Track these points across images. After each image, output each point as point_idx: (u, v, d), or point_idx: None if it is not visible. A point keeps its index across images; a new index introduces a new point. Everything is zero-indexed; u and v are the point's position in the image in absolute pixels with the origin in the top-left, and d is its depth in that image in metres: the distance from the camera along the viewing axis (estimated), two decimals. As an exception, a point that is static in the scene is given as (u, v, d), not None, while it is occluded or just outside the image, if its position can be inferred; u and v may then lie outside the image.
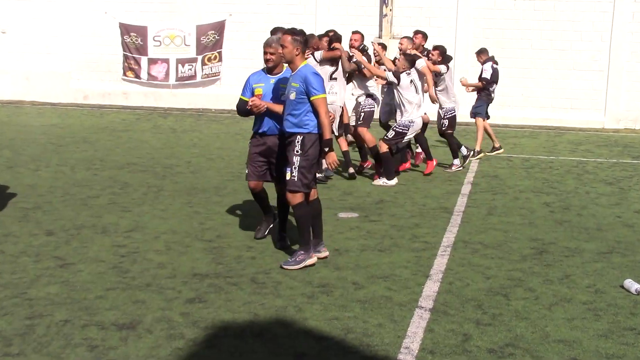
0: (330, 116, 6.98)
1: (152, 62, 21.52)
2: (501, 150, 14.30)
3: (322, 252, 7.10)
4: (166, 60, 21.42)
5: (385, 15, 20.32)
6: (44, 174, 11.06)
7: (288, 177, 6.76)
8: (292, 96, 6.74)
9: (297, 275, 6.60)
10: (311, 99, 6.70)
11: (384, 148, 10.97)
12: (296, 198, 6.78)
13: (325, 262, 7.02)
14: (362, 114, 11.55)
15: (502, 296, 6.17)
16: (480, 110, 13.86)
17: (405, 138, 11.20)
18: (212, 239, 7.75)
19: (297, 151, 6.72)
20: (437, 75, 12.29)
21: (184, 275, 6.50)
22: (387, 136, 11.16)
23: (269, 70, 7.35)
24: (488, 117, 14.07)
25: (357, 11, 20.65)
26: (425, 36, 12.67)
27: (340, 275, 6.64)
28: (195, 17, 21.36)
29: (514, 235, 8.17)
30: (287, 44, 6.81)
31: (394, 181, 10.90)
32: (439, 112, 12.70)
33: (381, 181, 10.90)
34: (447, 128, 12.58)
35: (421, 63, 11.56)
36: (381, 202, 9.78)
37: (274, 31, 8.80)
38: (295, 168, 6.72)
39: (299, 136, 6.75)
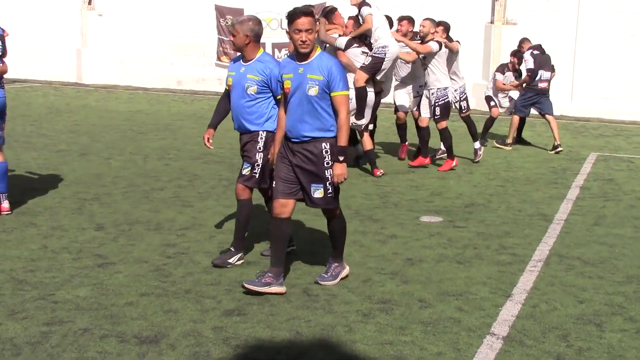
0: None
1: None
2: (509, 148, 13.43)
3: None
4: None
5: (499, -3, 19.36)
6: (114, 162, 10.95)
7: (322, 194, 5.89)
8: (314, 91, 5.75)
9: (356, 287, 6.07)
10: (335, 94, 5.76)
11: (442, 125, 11.10)
12: (336, 212, 6.13)
13: (392, 273, 6.45)
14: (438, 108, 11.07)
15: (594, 325, 5.43)
16: (518, 104, 13.59)
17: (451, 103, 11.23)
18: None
19: (328, 163, 5.84)
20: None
21: (229, 282, 6.09)
22: (436, 115, 11.04)
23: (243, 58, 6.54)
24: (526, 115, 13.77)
25: (467, -7, 19.79)
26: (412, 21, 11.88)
27: (407, 289, 6.06)
28: (293, -1, 21.05)
29: (621, 251, 7.33)
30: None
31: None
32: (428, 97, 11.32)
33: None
34: (440, 117, 11.16)
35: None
36: (472, 205, 9.09)
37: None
38: (330, 183, 5.87)
39: (325, 143, 5.83)
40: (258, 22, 6.41)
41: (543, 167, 11.68)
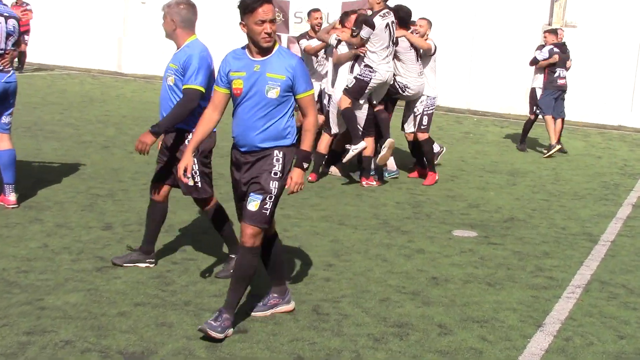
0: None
1: (291, 40, 21.01)
2: (557, 147, 13.06)
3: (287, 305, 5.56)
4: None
5: (558, -1, 18.73)
6: (138, 156, 10.68)
7: (256, 208, 5.01)
8: (274, 94, 4.99)
9: (371, 308, 5.67)
10: (301, 96, 5.07)
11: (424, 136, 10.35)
12: (258, 239, 5.09)
13: (413, 294, 6.04)
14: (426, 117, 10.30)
15: (633, 366, 4.96)
16: (543, 103, 13.21)
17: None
18: (290, 249, 6.95)
19: (276, 174, 5.06)
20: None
21: (234, 294, 5.74)
22: (423, 125, 10.29)
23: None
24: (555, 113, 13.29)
25: (525, -6, 19.18)
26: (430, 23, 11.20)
27: (427, 312, 5.65)
28: (341, -9, 20.64)
29: (671, 280, 6.81)
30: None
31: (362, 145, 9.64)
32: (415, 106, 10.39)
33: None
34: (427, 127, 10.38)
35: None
36: (511, 220, 8.61)
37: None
38: (270, 198, 5.04)
39: (278, 151, 5.08)
40: (189, 6, 5.92)
41: (594, 182, 11.12)
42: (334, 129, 9.97)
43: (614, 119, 18.18)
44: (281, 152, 5.08)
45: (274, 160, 5.07)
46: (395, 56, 9.84)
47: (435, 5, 19.64)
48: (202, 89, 5.74)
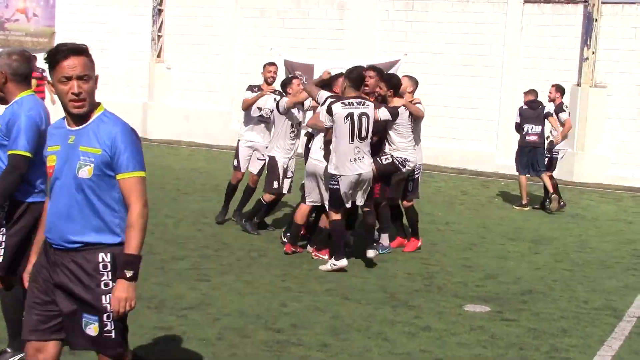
0: None
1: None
2: (527, 209, 13.23)
3: None
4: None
5: (587, 58, 18.29)
6: (143, 225, 10.38)
7: (96, 332, 3.97)
8: (86, 172, 3.95)
9: (363, 396, 5.19)
10: (123, 177, 3.98)
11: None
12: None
13: (411, 378, 5.55)
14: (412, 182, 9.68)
15: None
16: (516, 162, 13.53)
17: None
18: (283, 328, 6.52)
19: (107, 284, 3.97)
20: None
21: (213, 380, 5.32)
22: (409, 190, 9.73)
23: None
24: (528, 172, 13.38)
25: (553, 53, 18.82)
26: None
27: (424, 402, 5.14)
28: (366, 55, 20.47)
29: (701, 362, 6.22)
30: None
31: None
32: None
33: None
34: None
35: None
36: (529, 292, 8.07)
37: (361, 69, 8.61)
38: (109, 317, 3.96)
39: (104, 253, 3.98)
40: (22, 57, 5.27)
41: (623, 249, 10.53)
42: (309, 198, 9.13)
43: (642, 179, 17.54)
44: (108, 255, 3.95)
45: (101, 267, 3.94)
46: (393, 129, 9.14)
47: (464, 66, 19.39)
48: (28, 154, 5.00)
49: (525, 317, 7.18)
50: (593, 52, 18.24)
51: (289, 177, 10.05)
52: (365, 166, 8.53)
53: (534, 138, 13.22)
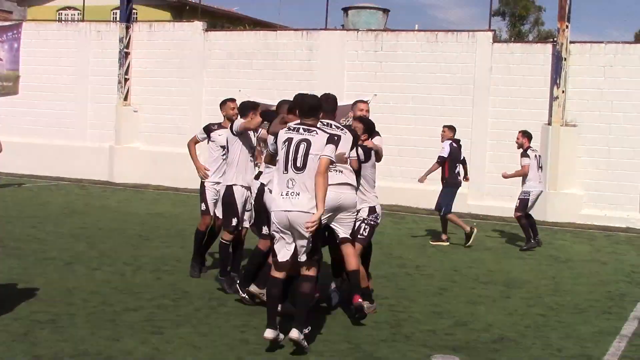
0: None
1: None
2: (446, 244, 13.54)
3: None
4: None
5: (557, 97, 18.17)
6: (99, 274, 9.92)
7: None
8: None
9: None
10: None
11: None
12: None
13: None
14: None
15: None
16: (447, 202, 13.55)
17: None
18: (237, 385, 6.06)
19: None
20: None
21: None
22: (361, 234, 8.41)
23: None
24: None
25: (523, 92, 18.69)
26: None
27: None
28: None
29: (681, 414, 5.84)
30: None
31: None
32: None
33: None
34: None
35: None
36: (501, 340, 7.68)
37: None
38: None
39: None
40: None
41: (598, 292, 10.20)
42: (263, 230, 8.34)
43: (621, 221, 17.32)
44: None
45: None
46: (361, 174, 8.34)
47: (433, 106, 19.19)
48: None
49: (496, 368, 6.79)
50: (563, 91, 18.17)
51: (248, 210, 9.26)
52: (299, 205, 6.89)
53: (460, 178, 13.72)
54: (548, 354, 7.27)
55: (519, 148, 13.71)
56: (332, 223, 7.92)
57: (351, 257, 7.95)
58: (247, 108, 9.19)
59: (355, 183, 8.05)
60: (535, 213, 16.98)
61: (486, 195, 18.81)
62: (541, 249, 13.31)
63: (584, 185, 17.97)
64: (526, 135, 13.70)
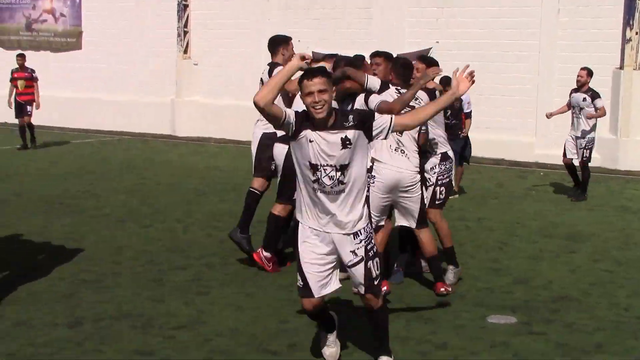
0: None
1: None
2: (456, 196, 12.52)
3: None
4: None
5: (630, 39, 17.20)
6: (151, 232, 9.75)
7: None
8: None
9: None
10: None
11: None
12: None
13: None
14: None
15: None
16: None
17: None
18: (278, 350, 5.80)
19: None
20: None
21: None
22: (439, 198, 7.72)
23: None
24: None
25: (592, 35, 17.74)
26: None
27: None
28: (396, 45, 19.61)
29: None
30: None
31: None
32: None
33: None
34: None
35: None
36: (562, 299, 7.22)
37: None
38: None
39: None
40: None
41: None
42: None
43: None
44: None
45: None
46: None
47: (498, 52, 18.43)
48: None
49: (555, 330, 6.34)
50: (637, 33, 17.16)
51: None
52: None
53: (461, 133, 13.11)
54: (614, 314, 6.79)
55: (580, 87, 12.80)
56: (398, 214, 7.36)
57: (428, 244, 7.24)
58: (277, 43, 8.39)
59: (418, 168, 7.39)
60: (606, 161, 16.32)
61: (553, 144, 18.03)
62: (611, 199, 12.65)
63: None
64: (591, 74, 12.86)
